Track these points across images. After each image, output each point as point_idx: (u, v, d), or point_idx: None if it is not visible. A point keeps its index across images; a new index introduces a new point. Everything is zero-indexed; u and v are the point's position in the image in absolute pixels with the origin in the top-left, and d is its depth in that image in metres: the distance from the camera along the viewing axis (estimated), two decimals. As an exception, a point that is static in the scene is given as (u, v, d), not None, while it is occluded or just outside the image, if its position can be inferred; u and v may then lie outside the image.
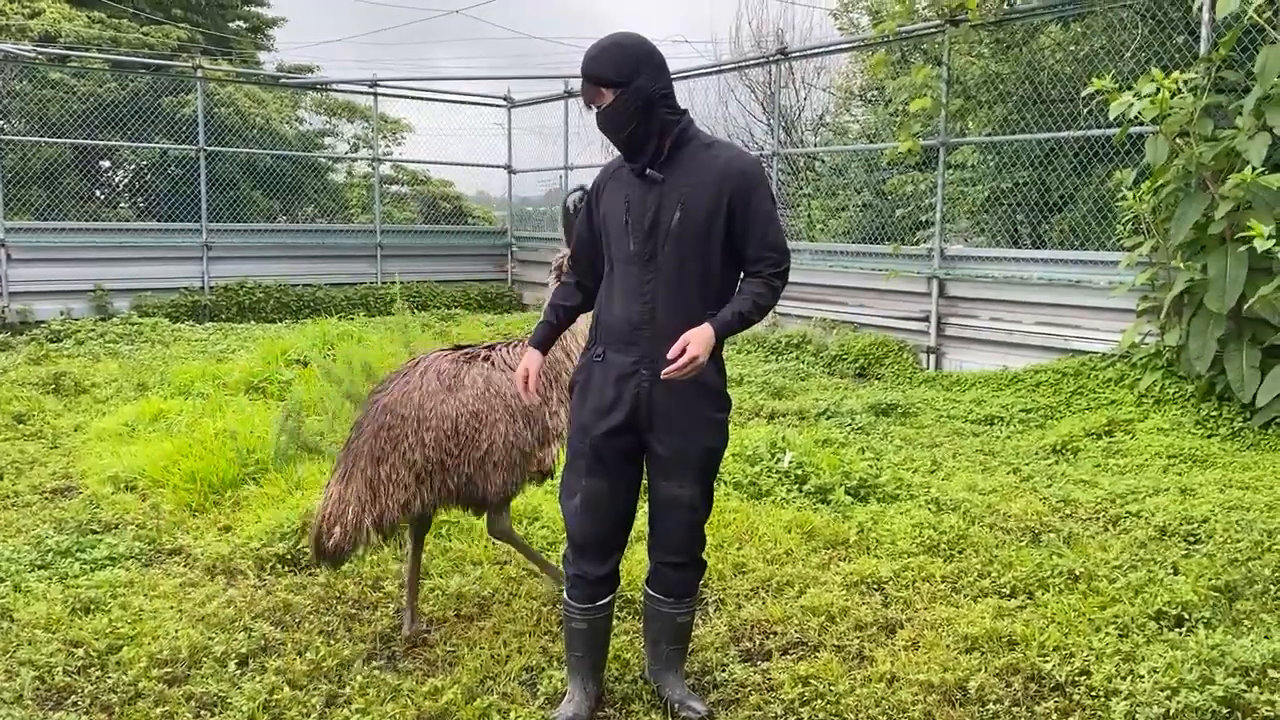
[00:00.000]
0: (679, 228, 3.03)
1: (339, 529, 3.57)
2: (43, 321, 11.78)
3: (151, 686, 3.38)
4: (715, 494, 5.33)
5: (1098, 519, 5.16)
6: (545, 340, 3.40)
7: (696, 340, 2.93)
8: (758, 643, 3.82)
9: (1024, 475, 6.03)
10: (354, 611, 4.07)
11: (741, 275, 3.19)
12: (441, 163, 18.16)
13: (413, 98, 16.44)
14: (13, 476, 5.86)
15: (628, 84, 2.98)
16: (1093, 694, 3.34)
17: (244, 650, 3.65)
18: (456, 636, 3.86)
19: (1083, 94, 7.35)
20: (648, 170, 3.05)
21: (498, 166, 16.79)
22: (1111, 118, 7.07)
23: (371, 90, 15.49)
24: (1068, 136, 9.27)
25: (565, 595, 3.26)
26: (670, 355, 2.92)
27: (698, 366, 2.93)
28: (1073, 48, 10.26)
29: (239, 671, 3.52)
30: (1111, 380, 7.61)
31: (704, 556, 3.33)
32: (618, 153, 3.18)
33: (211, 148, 14.13)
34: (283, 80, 18.48)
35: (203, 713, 3.28)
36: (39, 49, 15.69)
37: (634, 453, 3.16)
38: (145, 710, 3.25)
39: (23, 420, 7.12)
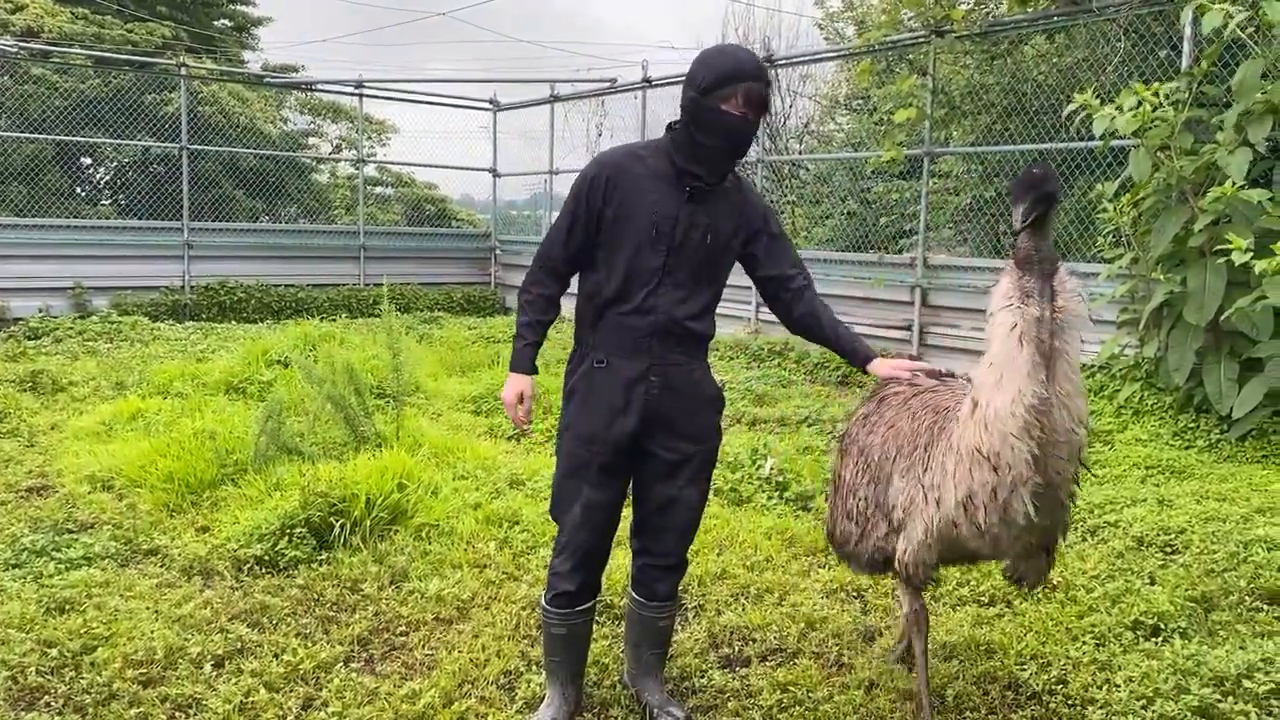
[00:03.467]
0: (707, 250, 3.08)
1: None
2: (21, 319, 11.66)
3: (126, 687, 3.35)
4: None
5: (1076, 528, 5.18)
6: (533, 361, 3.20)
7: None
8: (737, 649, 3.82)
9: (1003, 484, 6.05)
10: (331, 614, 4.05)
11: (766, 290, 3.32)
12: (426, 165, 18.11)
13: (398, 99, 16.39)
14: (-12, 474, 5.81)
15: None
16: (1069, 703, 3.36)
17: (220, 652, 3.63)
18: (435, 640, 3.85)
19: (1065, 110, 7.38)
20: (694, 186, 3.03)
21: (482, 170, 16.77)
22: (1095, 131, 7.12)
23: (357, 91, 15.44)
24: (1051, 148, 9.33)
25: (544, 601, 3.24)
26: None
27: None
28: (1057, 60, 10.34)
29: (215, 673, 3.50)
30: (1091, 391, 7.65)
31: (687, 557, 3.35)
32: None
33: (194, 146, 14.06)
34: (267, 79, 18.39)
35: (177, 714, 3.25)
36: (21, 44, 15.57)
37: (633, 460, 3.14)
38: (119, 711, 3.22)
39: (-1, 418, 7.05)
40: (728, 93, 2.91)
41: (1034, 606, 4.11)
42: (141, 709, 3.24)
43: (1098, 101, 7.02)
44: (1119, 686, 3.40)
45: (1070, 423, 2.68)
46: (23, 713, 3.23)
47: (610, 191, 3.03)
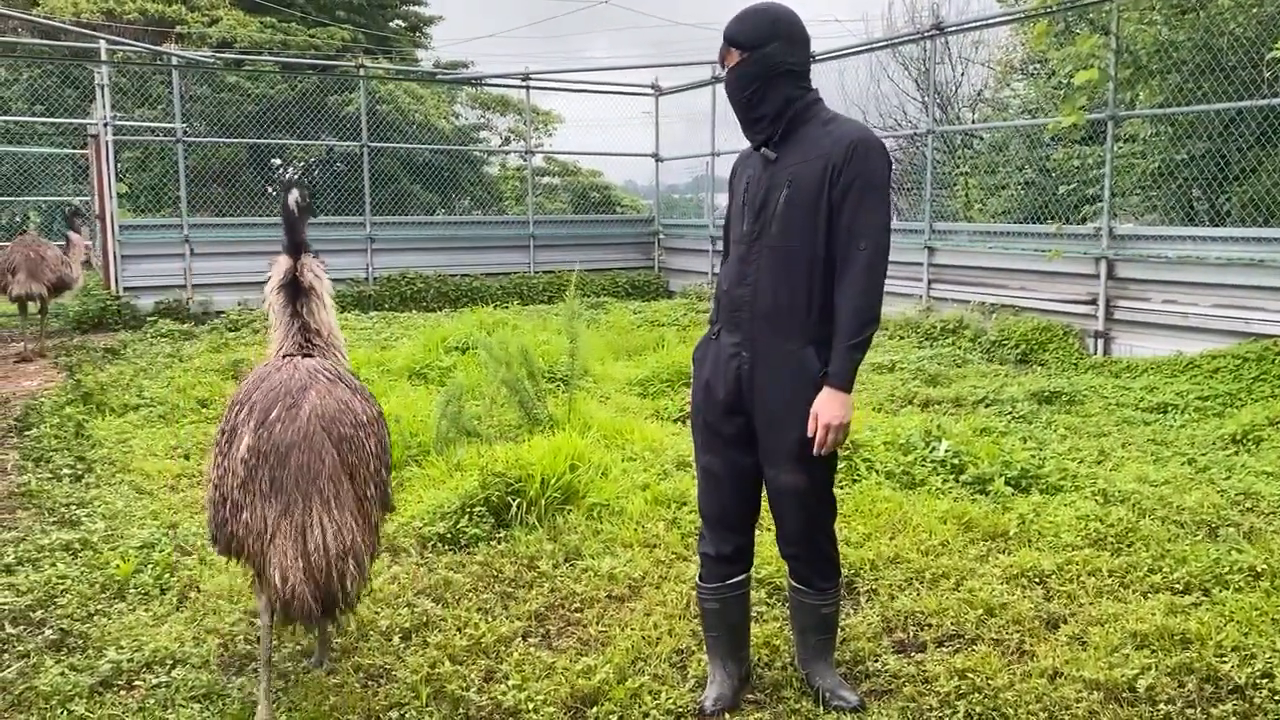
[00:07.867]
0: (785, 207, 2.98)
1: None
2: (222, 312, 12.52)
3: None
4: (866, 483, 5.26)
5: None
6: None
7: (825, 412, 2.90)
8: (912, 634, 3.75)
9: (1200, 466, 5.70)
10: (510, 590, 4.19)
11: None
12: (590, 153, 18.46)
13: (563, 89, 16.71)
14: (198, 457, 6.26)
15: (756, 49, 2.99)
16: (1276, 698, 3.14)
17: (407, 625, 3.81)
18: (608, 617, 3.92)
19: (1267, 58, 6.84)
20: (763, 149, 3.07)
21: (645, 155, 16.90)
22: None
23: (524, 84, 15.81)
24: (1250, 106, 8.67)
25: (698, 577, 3.32)
26: (814, 437, 2.91)
27: (842, 429, 2.91)
28: (1256, 9, 9.58)
29: (403, 645, 3.68)
30: (1300, 365, 7.10)
31: (830, 551, 3.21)
32: None
33: (374, 144, 14.72)
34: (439, 77, 19.08)
35: (370, 683, 3.44)
36: (217, 55, 16.66)
37: (746, 434, 3.11)
38: (319, 678, 3.44)
39: (205, 404, 7.58)
40: None
41: (1235, 595, 3.86)
42: (337, 679, 3.45)
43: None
44: (1334, 683, 3.16)
45: None
46: (233, 677, 3.48)
47: (736, 177, 3.25)
